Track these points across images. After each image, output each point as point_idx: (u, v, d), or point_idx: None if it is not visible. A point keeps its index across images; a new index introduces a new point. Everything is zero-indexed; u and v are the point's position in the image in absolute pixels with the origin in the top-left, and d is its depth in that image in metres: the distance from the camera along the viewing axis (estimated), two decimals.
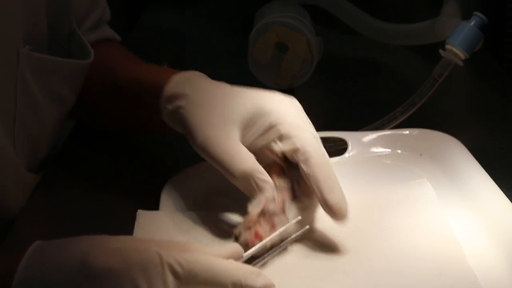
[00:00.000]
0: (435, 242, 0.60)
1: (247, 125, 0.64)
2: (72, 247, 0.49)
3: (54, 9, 0.74)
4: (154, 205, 0.70)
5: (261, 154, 0.65)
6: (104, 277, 0.46)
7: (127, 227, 0.65)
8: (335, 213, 0.58)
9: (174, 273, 0.47)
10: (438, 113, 0.89)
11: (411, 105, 0.80)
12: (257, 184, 0.60)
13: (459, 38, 0.78)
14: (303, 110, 0.66)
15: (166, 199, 0.71)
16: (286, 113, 0.64)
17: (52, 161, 0.84)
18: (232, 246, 0.54)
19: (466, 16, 0.81)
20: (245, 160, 0.61)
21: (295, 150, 0.61)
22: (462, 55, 0.78)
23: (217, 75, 0.73)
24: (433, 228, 0.62)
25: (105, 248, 0.48)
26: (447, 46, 0.79)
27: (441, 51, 0.79)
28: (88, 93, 0.82)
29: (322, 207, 0.59)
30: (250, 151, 0.64)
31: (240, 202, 0.66)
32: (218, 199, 0.72)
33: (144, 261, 0.47)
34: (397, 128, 0.80)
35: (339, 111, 0.95)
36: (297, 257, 0.59)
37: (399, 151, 0.77)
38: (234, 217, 0.66)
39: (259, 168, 0.61)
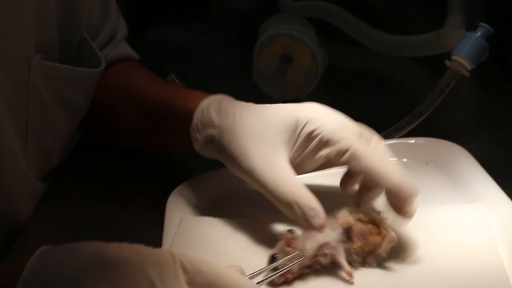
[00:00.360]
0: (481, 273, 0.56)
1: (289, 141, 0.63)
2: (83, 245, 0.48)
3: (64, 18, 0.75)
4: (161, 214, 0.70)
5: (310, 163, 0.64)
6: (118, 268, 0.46)
7: (135, 235, 0.64)
8: (403, 192, 0.58)
9: (185, 270, 0.47)
10: (444, 123, 0.89)
11: (418, 115, 0.80)
12: (302, 212, 0.59)
13: (465, 49, 0.78)
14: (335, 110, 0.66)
15: (172, 207, 0.71)
16: (323, 118, 0.63)
17: (60, 169, 0.83)
18: (236, 267, 0.54)
19: (470, 28, 0.81)
20: (291, 187, 0.60)
21: (342, 153, 0.61)
22: (468, 65, 0.78)
23: (222, 90, 0.73)
24: (481, 257, 0.58)
25: (118, 244, 0.48)
26: (453, 57, 0.79)
27: (447, 61, 0.80)
28: (111, 115, 0.82)
29: (387, 195, 0.59)
30: (299, 165, 0.63)
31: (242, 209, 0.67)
32: (224, 206, 0.72)
33: (156, 256, 0.47)
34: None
35: None
36: (334, 277, 0.58)
37: (405, 160, 0.77)
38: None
39: (305, 195, 0.59)
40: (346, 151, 0.60)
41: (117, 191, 0.79)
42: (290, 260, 0.57)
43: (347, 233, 0.58)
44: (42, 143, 0.74)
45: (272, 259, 0.58)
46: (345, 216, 0.59)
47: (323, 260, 0.58)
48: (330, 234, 0.59)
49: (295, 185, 0.60)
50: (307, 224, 0.58)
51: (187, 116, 0.71)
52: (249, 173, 0.62)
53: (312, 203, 0.59)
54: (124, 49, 0.88)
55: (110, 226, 0.71)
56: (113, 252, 0.47)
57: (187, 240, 0.64)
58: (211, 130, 0.68)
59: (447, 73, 0.79)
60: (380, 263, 0.59)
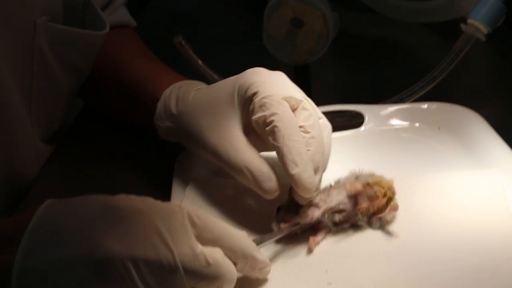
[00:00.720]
0: (493, 238, 0.55)
1: (237, 109, 0.62)
2: (90, 197, 0.48)
3: None
4: (166, 176, 0.69)
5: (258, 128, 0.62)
6: (127, 216, 0.45)
7: None
8: (299, 190, 0.56)
9: (193, 223, 0.47)
10: (458, 88, 0.88)
11: (431, 80, 0.78)
12: (253, 177, 0.57)
13: (481, 12, 0.76)
14: (290, 81, 0.63)
15: (180, 169, 0.70)
16: (263, 82, 0.60)
17: (65, 133, 0.83)
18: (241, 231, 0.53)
19: None
20: (242, 154, 0.59)
21: (263, 121, 0.58)
22: (484, 29, 0.76)
23: (231, 55, 0.72)
24: (494, 223, 0.57)
25: (127, 195, 0.47)
26: (469, 21, 0.77)
27: (462, 25, 0.78)
28: (97, 82, 0.82)
29: (289, 180, 0.56)
30: (250, 130, 0.61)
31: None
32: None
33: (165, 208, 0.47)
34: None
35: (355, 87, 0.94)
36: (342, 238, 0.58)
37: (417, 125, 0.76)
38: None
39: (255, 160, 0.58)
40: (271, 121, 0.57)
41: (120, 154, 0.79)
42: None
43: (354, 197, 0.58)
44: (45, 105, 0.74)
45: (277, 210, 0.58)
46: (352, 183, 0.59)
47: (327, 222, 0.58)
48: (336, 197, 0.58)
49: (246, 152, 0.59)
50: (259, 189, 0.57)
51: (153, 103, 0.71)
52: (205, 147, 0.62)
53: (262, 167, 0.58)
54: (122, 15, 0.87)
55: (112, 188, 0.70)
56: (122, 202, 0.46)
57: (196, 202, 0.64)
58: (171, 119, 0.68)
59: (462, 37, 0.77)
60: (383, 226, 0.58)
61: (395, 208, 0.58)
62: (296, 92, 0.60)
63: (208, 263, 0.47)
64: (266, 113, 0.58)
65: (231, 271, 0.49)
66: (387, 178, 0.59)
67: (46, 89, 0.73)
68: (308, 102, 0.60)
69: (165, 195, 0.66)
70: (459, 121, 0.74)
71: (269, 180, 0.57)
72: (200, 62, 0.87)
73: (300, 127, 0.58)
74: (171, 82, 0.72)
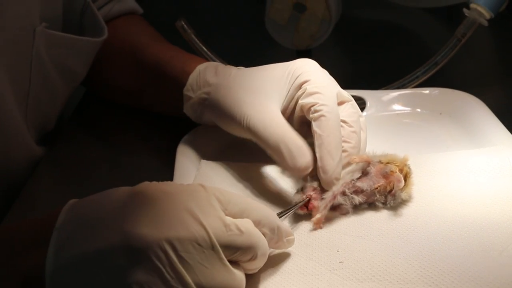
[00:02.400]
0: (502, 216, 0.56)
1: (282, 91, 0.63)
2: (114, 190, 0.48)
3: None
4: (166, 164, 0.70)
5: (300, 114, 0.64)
6: (156, 199, 0.46)
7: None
8: (324, 179, 0.58)
9: (218, 199, 0.48)
10: (459, 74, 0.88)
11: (433, 65, 0.78)
12: (288, 151, 0.59)
13: None
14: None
15: (182, 155, 0.71)
16: (315, 72, 0.63)
17: (57, 134, 0.83)
18: None
19: None
20: (279, 129, 0.60)
21: (313, 106, 0.60)
22: (487, 14, 0.76)
23: (234, 39, 0.72)
24: (502, 200, 0.57)
25: (149, 182, 0.48)
26: (472, 5, 0.77)
27: (465, 10, 0.78)
28: (109, 70, 0.82)
29: (317, 168, 0.58)
30: (291, 112, 0.63)
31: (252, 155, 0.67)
32: (231, 154, 0.71)
33: (189, 188, 0.48)
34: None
35: (357, 72, 0.94)
36: (353, 218, 0.58)
37: (419, 110, 0.76)
38: None
39: (293, 136, 0.60)
40: (319, 110, 0.59)
41: (121, 141, 0.80)
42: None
43: (367, 174, 0.59)
44: (41, 109, 0.74)
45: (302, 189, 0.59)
46: (360, 155, 0.60)
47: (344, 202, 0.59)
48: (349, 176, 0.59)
49: (283, 127, 0.60)
50: (293, 164, 0.58)
51: (183, 76, 0.72)
52: (242, 120, 0.63)
53: (299, 143, 0.59)
54: (129, 2, 0.87)
55: (113, 178, 0.71)
56: (147, 187, 0.47)
57: (207, 183, 0.64)
58: (206, 88, 0.69)
59: (465, 22, 0.77)
60: (398, 203, 0.59)
61: (399, 180, 0.58)
62: (343, 90, 0.63)
63: (241, 231, 0.47)
64: (317, 101, 0.60)
65: (263, 240, 0.50)
66: (402, 157, 0.60)
67: (42, 94, 0.73)
68: (353, 102, 0.63)
69: None
70: (460, 106, 0.74)
71: (304, 156, 0.58)
72: (202, 46, 0.87)
73: (343, 121, 0.61)
74: (201, 61, 0.74)
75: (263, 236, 0.50)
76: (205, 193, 0.47)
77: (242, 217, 0.49)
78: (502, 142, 0.66)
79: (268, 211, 0.51)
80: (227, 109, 0.65)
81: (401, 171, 0.59)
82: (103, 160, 0.76)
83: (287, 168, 0.60)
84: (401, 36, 1.05)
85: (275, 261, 0.54)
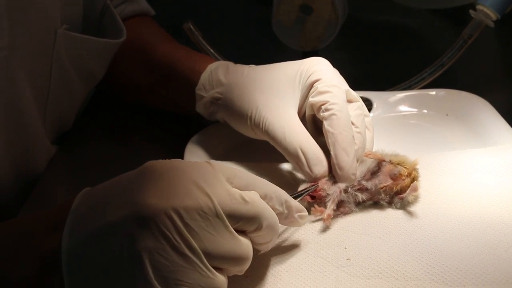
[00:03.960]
0: (508, 214, 0.56)
1: (295, 92, 0.64)
2: (123, 174, 0.49)
3: None
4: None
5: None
6: (164, 173, 0.47)
7: None
8: (341, 176, 0.59)
9: (223, 174, 0.49)
10: (466, 75, 0.88)
11: (439, 66, 0.79)
12: (306, 159, 0.60)
13: None
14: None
15: (190, 154, 0.71)
16: (326, 71, 0.64)
17: (69, 132, 0.84)
18: None
19: None
20: (298, 136, 0.61)
21: (323, 104, 0.61)
22: (493, 15, 0.77)
23: (241, 41, 0.73)
24: (508, 199, 0.58)
25: (157, 160, 0.49)
26: (478, 7, 0.77)
27: (471, 11, 0.78)
28: (119, 68, 0.83)
29: (332, 166, 0.59)
30: (304, 111, 0.64)
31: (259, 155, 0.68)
32: (239, 154, 0.72)
33: (196, 164, 0.49)
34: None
35: (364, 73, 0.94)
36: (361, 215, 0.59)
37: (425, 111, 0.76)
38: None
39: (311, 144, 0.61)
40: (330, 109, 0.60)
41: (132, 140, 0.80)
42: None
43: (374, 172, 0.59)
44: (59, 110, 0.75)
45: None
46: (374, 152, 0.60)
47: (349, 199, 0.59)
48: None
49: (302, 134, 0.61)
50: (310, 171, 0.60)
51: (194, 75, 0.73)
52: (260, 124, 0.64)
53: (316, 151, 0.60)
54: (141, 4, 0.88)
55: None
56: (155, 163, 0.48)
57: None
58: (219, 88, 0.70)
59: (471, 23, 0.78)
60: (405, 206, 0.59)
61: (415, 189, 0.59)
62: (351, 90, 0.64)
63: (245, 201, 0.48)
64: (328, 99, 0.61)
65: (270, 211, 0.50)
66: (411, 158, 0.60)
67: (61, 95, 0.74)
68: (361, 102, 0.64)
69: None
70: (467, 107, 0.74)
71: (321, 165, 0.60)
72: (209, 47, 0.88)
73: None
74: (212, 60, 0.75)
75: (270, 208, 0.50)
76: (211, 168, 0.49)
77: (248, 190, 0.50)
78: (508, 142, 0.66)
79: (275, 186, 0.52)
80: (242, 110, 0.66)
81: (409, 174, 0.59)
82: (114, 159, 0.77)
83: (304, 173, 0.61)
84: (407, 37, 1.05)
85: (283, 258, 0.55)
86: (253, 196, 0.49)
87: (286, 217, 0.52)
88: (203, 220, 0.46)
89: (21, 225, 0.50)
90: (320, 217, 0.58)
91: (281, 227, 0.55)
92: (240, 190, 0.49)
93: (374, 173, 0.60)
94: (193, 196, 0.46)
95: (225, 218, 0.47)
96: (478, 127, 0.72)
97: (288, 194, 0.53)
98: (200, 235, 0.45)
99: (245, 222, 0.48)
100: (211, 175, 0.48)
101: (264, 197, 0.51)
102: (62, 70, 0.72)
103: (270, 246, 0.52)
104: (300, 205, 0.53)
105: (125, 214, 0.45)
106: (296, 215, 0.53)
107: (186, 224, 0.45)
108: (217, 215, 0.46)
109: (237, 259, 0.47)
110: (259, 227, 0.49)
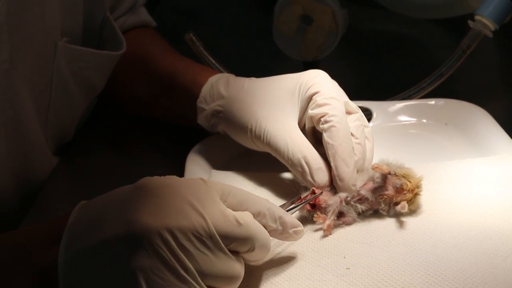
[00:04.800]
0: (506, 223, 0.57)
1: (295, 104, 0.65)
2: (118, 189, 0.49)
3: None
4: (180, 171, 0.71)
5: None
6: (157, 192, 0.47)
7: None
8: (342, 187, 0.59)
9: (217, 191, 0.50)
10: (465, 85, 0.88)
11: (438, 76, 0.79)
12: (309, 168, 0.61)
13: (489, 9, 0.77)
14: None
15: (192, 163, 0.72)
16: (325, 84, 0.65)
17: (70, 143, 0.84)
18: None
19: None
20: (300, 147, 0.62)
21: (322, 116, 0.62)
22: (491, 26, 0.77)
23: (241, 52, 0.73)
24: (506, 208, 0.58)
25: (151, 177, 0.49)
26: (477, 17, 0.78)
27: (470, 22, 0.79)
28: (120, 80, 0.83)
29: (333, 177, 0.60)
30: (304, 124, 0.65)
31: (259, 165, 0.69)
32: (241, 164, 0.73)
33: (190, 182, 0.49)
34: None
35: (364, 83, 0.95)
36: (360, 224, 0.59)
37: (425, 121, 0.77)
38: None
39: (313, 154, 0.61)
40: (329, 121, 0.61)
41: (133, 150, 0.81)
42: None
43: (375, 182, 0.60)
44: (61, 122, 0.76)
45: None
46: (380, 165, 0.60)
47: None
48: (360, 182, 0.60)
49: (303, 145, 0.62)
50: (312, 180, 0.60)
51: (195, 88, 0.74)
52: (261, 136, 0.65)
53: (318, 161, 0.61)
54: (143, 15, 0.88)
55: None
56: (149, 181, 0.48)
57: None
58: (220, 101, 0.70)
59: (470, 34, 0.78)
60: (399, 215, 0.60)
61: (403, 207, 0.58)
62: (350, 101, 0.65)
63: (239, 223, 0.48)
64: (327, 112, 0.61)
65: (263, 232, 0.51)
66: (417, 174, 0.60)
67: (62, 107, 0.75)
68: (360, 113, 0.65)
69: None
70: (466, 117, 0.75)
71: (324, 174, 0.61)
72: (211, 58, 0.89)
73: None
74: (213, 72, 0.75)
75: (263, 229, 0.51)
76: (205, 186, 0.49)
77: (242, 209, 0.50)
78: (507, 152, 0.66)
79: (269, 203, 0.52)
80: (242, 123, 0.67)
81: (412, 190, 0.59)
82: (115, 169, 0.77)
83: (306, 182, 0.61)
84: (407, 47, 1.06)
85: (282, 267, 0.55)
86: (246, 218, 0.49)
87: (281, 233, 0.53)
88: (198, 241, 0.46)
89: (17, 239, 0.50)
90: (321, 226, 0.59)
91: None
92: (234, 208, 0.50)
93: (378, 186, 0.60)
94: (187, 217, 0.46)
95: (219, 239, 0.47)
96: (477, 137, 0.72)
97: (283, 210, 0.53)
98: (194, 256, 0.46)
99: (238, 244, 0.49)
100: (205, 194, 0.48)
101: (257, 214, 0.51)
102: (62, 82, 0.72)
103: (261, 262, 0.53)
104: (295, 220, 0.54)
105: (119, 232, 0.45)
106: (291, 231, 0.53)
107: (180, 245, 0.46)
108: (211, 236, 0.47)
109: (230, 279, 0.48)
110: (251, 248, 0.50)
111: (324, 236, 0.58)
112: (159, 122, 0.84)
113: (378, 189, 0.60)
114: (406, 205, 0.59)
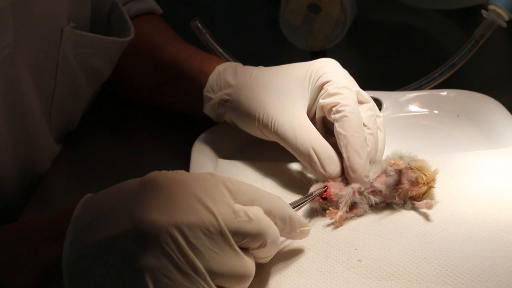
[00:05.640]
0: None
1: (305, 93, 0.64)
2: (125, 182, 0.48)
3: None
4: (185, 160, 0.69)
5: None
6: (166, 187, 0.46)
7: None
8: (354, 178, 0.58)
9: (227, 188, 0.48)
10: (477, 76, 0.87)
11: (451, 67, 0.78)
12: (319, 159, 0.59)
13: None
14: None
15: (198, 152, 0.71)
16: (337, 73, 0.63)
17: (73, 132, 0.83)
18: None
19: None
20: (309, 136, 0.61)
21: (334, 106, 0.60)
22: (506, 15, 0.75)
23: (248, 41, 0.72)
24: None
25: (160, 171, 0.48)
26: (490, 7, 0.76)
27: (483, 11, 0.77)
28: (126, 67, 0.82)
29: (344, 168, 0.59)
30: (314, 113, 0.64)
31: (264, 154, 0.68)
32: (247, 152, 0.72)
33: (199, 177, 0.48)
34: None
35: (373, 73, 0.93)
36: (371, 216, 0.58)
37: (436, 112, 0.75)
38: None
39: (322, 144, 0.60)
40: (341, 110, 0.60)
41: (138, 139, 0.80)
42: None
43: (390, 175, 0.58)
44: (66, 110, 0.75)
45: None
46: (396, 160, 0.59)
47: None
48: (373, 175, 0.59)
49: (313, 134, 0.61)
50: (323, 171, 0.59)
51: (202, 77, 0.72)
52: (269, 124, 0.63)
53: (328, 150, 0.60)
54: (149, 2, 0.87)
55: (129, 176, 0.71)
56: (157, 176, 0.47)
57: None
58: (227, 90, 0.69)
59: (483, 24, 0.76)
60: (416, 209, 0.58)
61: (430, 207, 0.57)
62: (362, 91, 0.63)
63: (249, 218, 0.47)
64: (339, 101, 0.60)
65: (273, 228, 0.49)
66: (431, 166, 0.59)
67: (67, 95, 0.73)
68: (372, 103, 0.63)
69: None
70: (478, 108, 0.73)
71: (335, 165, 0.59)
72: (217, 46, 0.87)
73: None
74: (220, 61, 0.74)
75: (273, 224, 0.49)
76: (215, 181, 0.47)
77: (252, 206, 0.49)
78: None
79: (280, 201, 0.51)
80: (250, 111, 0.65)
81: (427, 183, 0.58)
82: (119, 158, 0.76)
83: (317, 174, 0.60)
84: (416, 38, 1.04)
85: (293, 259, 0.54)
86: (257, 213, 0.48)
87: (289, 232, 0.52)
88: (207, 238, 0.45)
89: (20, 232, 0.49)
90: (333, 220, 0.57)
91: None
92: (244, 205, 0.48)
93: (393, 180, 0.58)
94: (196, 213, 0.45)
95: (229, 236, 0.46)
96: (490, 128, 0.70)
97: (292, 209, 0.52)
98: (204, 254, 0.44)
99: (249, 240, 0.47)
100: (215, 190, 0.47)
101: (268, 212, 0.49)
102: (68, 68, 0.71)
103: (269, 259, 0.51)
104: (303, 220, 0.52)
105: (126, 229, 0.44)
106: (298, 230, 0.52)
107: (189, 243, 0.44)
108: (222, 234, 0.45)
109: (241, 277, 0.47)
110: (263, 244, 0.48)
111: (336, 227, 0.57)
112: (164, 111, 0.83)
113: (392, 183, 0.58)
114: (433, 203, 0.57)
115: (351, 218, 0.58)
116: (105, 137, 0.82)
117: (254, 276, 0.49)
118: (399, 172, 0.58)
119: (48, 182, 0.73)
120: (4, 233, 0.49)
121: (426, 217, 0.57)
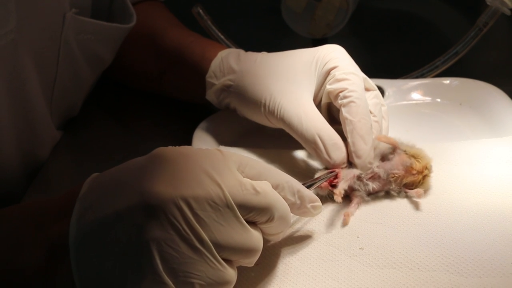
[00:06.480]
0: None
1: (311, 79, 0.63)
2: (132, 160, 0.47)
3: None
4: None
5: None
6: (174, 160, 0.45)
7: None
8: (358, 165, 0.58)
9: (234, 162, 0.48)
10: (480, 64, 0.86)
11: (453, 55, 0.77)
12: (324, 146, 0.59)
13: None
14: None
15: (198, 140, 0.70)
16: (343, 59, 0.63)
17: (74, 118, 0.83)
18: None
19: None
20: (315, 123, 0.60)
21: (341, 91, 0.60)
22: (510, 3, 0.75)
23: (249, 28, 0.71)
24: None
25: (166, 147, 0.47)
26: None
27: None
28: (128, 54, 0.81)
29: (349, 153, 0.58)
30: (319, 99, 0.63)
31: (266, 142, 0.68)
32: (248, 139, 0.71)
33: (206, 152, 0.47)
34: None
35: (375, 61, 0.93)
36: (373, 205, 0.58)
37: (439, 100, 0.75)
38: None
39: (328, 130, 0.60)
40: (348, 96, 0.60)
41: (138, 127, 0.79)
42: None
43: (387, 160, 0.58)
44: (67, 96, 0.74)
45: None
46: (389, 137, 0.59)
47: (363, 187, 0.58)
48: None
49: (318, 121, 0.60)
50: (328, 158, 0.59)
51: (204, 63, 0.72)
52: (274, 111, 0.63)
53: (334, 137, 0.59)
54: None
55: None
56: (166, 150, 0.47)
57: None
58: (230, 75, 0.68)
59: (487, 11, 0.76)
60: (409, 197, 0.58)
61: (419, 195, 0.57)
62: (368, 78, 0.63)
63: (256, 191, 0.47)
64: (347, 87, 0.60)
65: (281, 202, 0.49)
66: (427, 155, 0.59)
67: (69, 81, 0.73)
68: (378, 91, 0.63)
69: None
70: (481, 97, 0.73)
71: (340, 151, 0.59)
72: (219, 32, 0.86)
73: None
74: (221, 47, 0.73)
75: (282, 199, 0.49)
76: (221, 155, 0.47)
77: (259, 180, 0.48)
78: None
79: (288, 176, 0.51)
80: (255, 97, 0.65)
81: (421, 171, 0.58)
82: (119, 146, 0.76)
83: (322, 160, 0.60)
84: (419, 25, 1.04)
85: (295, 246, 0.54)
86: (264, 187, 0.48)
87: (299, 207, 0.51)
88: (214, 210, 0.44)
89: (28, 211, 0.48)
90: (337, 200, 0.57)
91: (293, 217, 0.54)
92: (252, 179, 0.48)
93: (387, 159, 0.58)
94: (203, 186, 0.45)
95: (236, 209, 0.45)
96: (493, 117, 0.70)
97: (301, 184, 0.52)
98: (210, 226, 0.44)
99: (256, 213, 0.47)
100: (222, 164, 0.46)
101: (276, 187, 0.49)
102: (70, 55, 0.70)
103: (280, 237, 0.51)
104: (314, 195, 0.52)
105: (133, 203, 0.44)
106: (309, 206, 0.51)
107: (195, 214, 0.44)
108: (228, 206, 0.45)
109: (247, 251, 0.46)
110: (270, 218, 0.48)
111: (338, 216, 0.56)
112: (165, 98, 0.82)
113: (390, 167, 0.58)
114: (422, 192, 0.57)
115: (353, 207, 0.57)
116: (106, 124, 0.82)
117: (256, 264, 0.49)
118: (394, 152, 0.58)
119: (48, 168, 0.73)
120: (12, 213, 0.49)
121: (428, 205, 0.57)
